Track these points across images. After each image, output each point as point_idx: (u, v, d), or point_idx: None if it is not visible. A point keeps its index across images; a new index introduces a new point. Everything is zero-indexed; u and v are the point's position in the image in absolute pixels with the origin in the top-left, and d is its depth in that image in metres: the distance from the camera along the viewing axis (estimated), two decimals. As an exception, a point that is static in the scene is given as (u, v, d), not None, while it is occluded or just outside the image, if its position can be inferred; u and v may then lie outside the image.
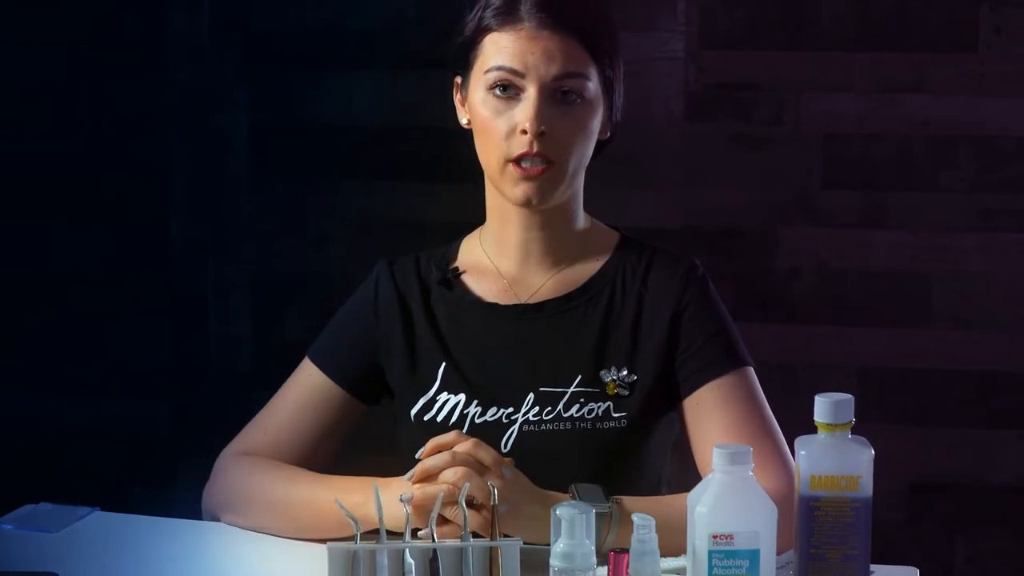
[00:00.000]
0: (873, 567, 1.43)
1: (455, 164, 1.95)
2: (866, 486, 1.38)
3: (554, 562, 1.37)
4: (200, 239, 3.09)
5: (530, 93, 1.68)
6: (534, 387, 1.73)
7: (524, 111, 1.68)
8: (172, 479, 2.97)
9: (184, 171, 3.09)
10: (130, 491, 2.76)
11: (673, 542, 1.47)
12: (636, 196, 2.88)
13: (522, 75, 1.68)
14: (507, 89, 1.69)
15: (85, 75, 3.10)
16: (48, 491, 1.92)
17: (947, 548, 2.87)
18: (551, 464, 1.65)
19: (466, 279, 1.82)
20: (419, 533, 1.50)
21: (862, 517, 1.38)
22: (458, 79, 1.78)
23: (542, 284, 1.79)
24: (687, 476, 1.75)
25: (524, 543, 1.48)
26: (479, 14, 1.73)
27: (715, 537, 1.36)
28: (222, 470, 1.80)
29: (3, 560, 1.62)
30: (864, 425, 1.45)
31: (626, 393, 1.72)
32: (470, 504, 1.53)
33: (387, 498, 1.51)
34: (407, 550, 1.45)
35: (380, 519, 1.45)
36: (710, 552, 1.36)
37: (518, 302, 1.79)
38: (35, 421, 3.17)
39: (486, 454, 1.58)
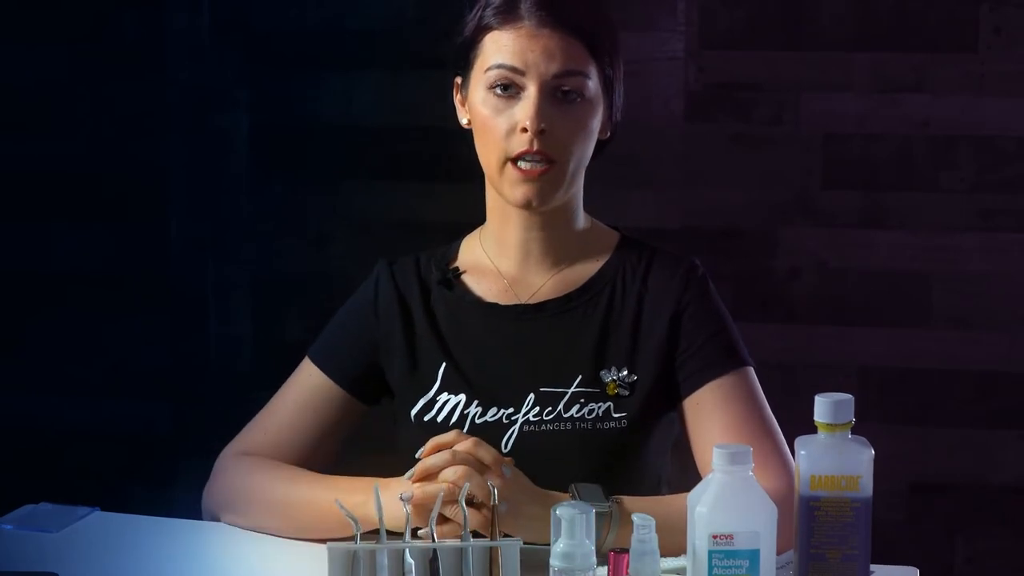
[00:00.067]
0: (873, 567, 1.43)
1: (455, 164, 1.95)
2: (866, 486, 1.38)
3: (554, 562, 1.37)
4: (200, 239, 3.09)
5: (530, 91, 1.68)
6: (534, 387, 1.73)
7: (524, 109, 1.68)
8: (172, 479, 2.97)
9: (184, 171, 3.09)
10: (130, 491, 2.76)
11: (673, 542, 1.47)
12: (636, 196, 2.88)
13: (522, 73, 1.68)
14: (507, 88, 1.69)
15: (85, 75, 3.10)
16: (48, 491, 1.91)
17: (947, 548, 2.87)
18: (551, 464, 1.65)
19: (466, 279, 1.82)
20: (419, 532, 1.50)
21: (862, 517, 1.38)
22: (458, 79, 1.78)
23: (542, 284, 1.79)
24: (687, 476, 1.75)
25: (524, 543, 1.48)
26: (479, 13, 1.73)
27: (715, 537, 1.36)
28: (222, 470, 1.80)
29: (3, 560, 1.62)
30: (864, 425, 1.45)
31: (626, 393, 1.72)
32: (470, 503, 1.53)
33: (387, 498, 1.51)
34: (407, 550, 1.45)
35: (380, 519, 1.45)
36: (710, 552, 1.36)
37: (518, 302, 1.79)
38: (35, 421, 3.17)
39: (486, 453, 1.58)
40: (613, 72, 1.74)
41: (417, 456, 1.62)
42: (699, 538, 1.37)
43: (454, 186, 2.39)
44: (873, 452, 1.39)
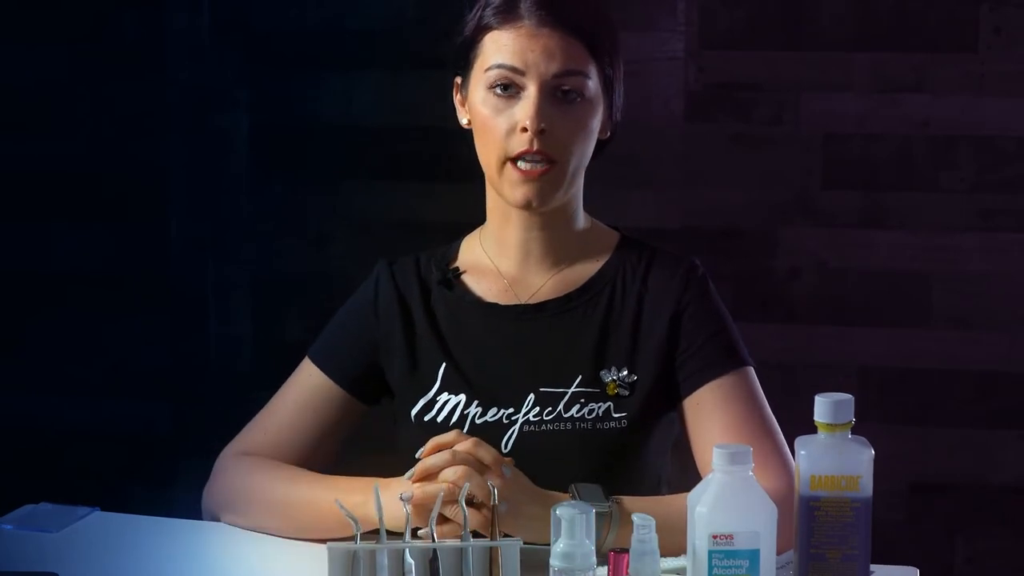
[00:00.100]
0: (873, 567, 1.43)
1: (455, 164, 1.95)
2: (866, 486, 1.38)
3: (554, 562, 1.37)
4: (200, 239, 3.09)
5: (530, 91, 1.68)
6: (534, 387, 1.73)
7: (524, 109, 1.68)
8: (172, 479, 2.97)
9: (184, 171, 3.09)
10: (130, 491, 2.76)
11: (673, 542, 1.47)
12: (636, 196, 2.88)
13: (522, 73, 1.68)
14: (507, 88, 1.69)
15: (85, 75, 3.10)
16: (48, 491, 1.91)
17: (947, 548, 2.87)
18: (551, 464, 1.65)
19: (466, 279, 1.82)
20: (419, 532, 1.50)
21: (862, 517, 1.38)
22: (458, 79, 1.78)
23: (542, 284, 1.79)
24: (687, 476, 1.75)
25: (524, 543, 1.48)
26: (479, 13, 1.73)
27: (715, 537, 1.36)
28: (222, 470, 1.80)
29: (3, 560, 1.62)
30: (864, 425, 1.45)
31: (626, 393, 1.72)
32: (470, 503, 1.53)
33: (387, 498, 1.51)
34: (407, 550, 1.45)
35: (380, 519, 1.45)
36: (710, 552, 1.36)
37: (518, 302, 1.78)
38: (35, 421, 3.17)
39: (486, 453, 1.58)
40: (613, 72, 1.74)
41: (417, 456, 1.62)
42: (699, 538, 1.37)
43: (454, 186, 2.39)
44: (873, 452, 1.39)
